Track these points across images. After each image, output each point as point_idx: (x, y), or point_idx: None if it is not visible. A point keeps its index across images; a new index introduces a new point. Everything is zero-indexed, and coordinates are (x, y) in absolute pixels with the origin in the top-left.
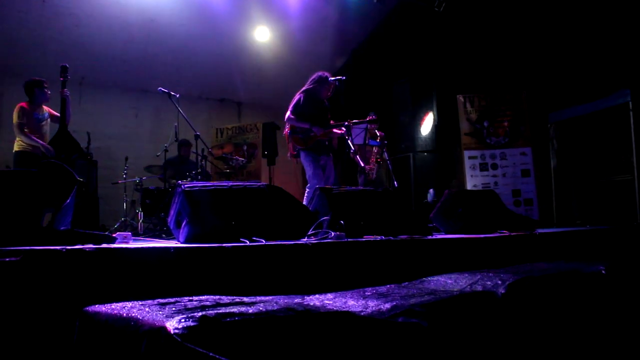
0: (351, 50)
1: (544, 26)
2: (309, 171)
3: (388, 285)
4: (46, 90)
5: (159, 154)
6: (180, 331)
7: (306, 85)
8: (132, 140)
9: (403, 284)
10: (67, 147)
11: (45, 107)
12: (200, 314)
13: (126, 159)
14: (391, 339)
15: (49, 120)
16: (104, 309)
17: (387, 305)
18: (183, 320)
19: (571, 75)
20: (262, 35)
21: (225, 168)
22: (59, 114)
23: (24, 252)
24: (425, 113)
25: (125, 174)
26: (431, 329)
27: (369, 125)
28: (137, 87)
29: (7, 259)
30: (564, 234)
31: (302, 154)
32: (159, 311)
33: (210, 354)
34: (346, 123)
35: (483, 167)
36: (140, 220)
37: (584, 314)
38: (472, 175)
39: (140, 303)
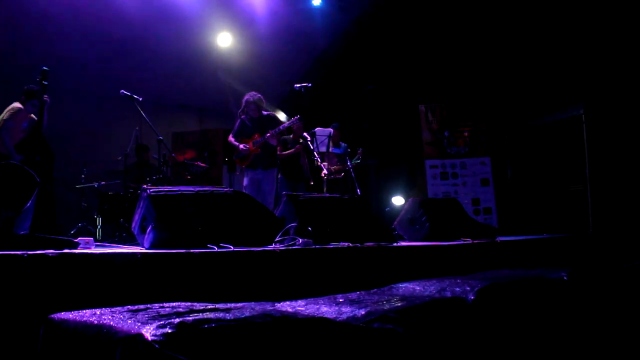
0: (315, 57)
1: (505, 40)
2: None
3: (358, 292)
4: (36, 100)
5: (119, 158)
6: (158, 338)
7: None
8: (91, 144)
9: (372, 291)
10: (42, 151)
11: (31, 116)
12: (177, 320)
13: (85, 163)
14: (367, 344)
15: (27, 129)
16: (71, 316)
17: (362, 312)
18: (160, 326)
19: (529, 88)
20: (225, 40)
21: (186, 174)
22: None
23: None
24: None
25: (84, 178)
26: (406, 335)
27: (332, 132)
28: (97, 90)
29: None
30: (523, 242)
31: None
32: (132, 318)
33: None
34: (267, 135)
35: (444, 176)
36: (99, 226)
37: (549, 317)
38: (432, 184)
39: (110, 309)
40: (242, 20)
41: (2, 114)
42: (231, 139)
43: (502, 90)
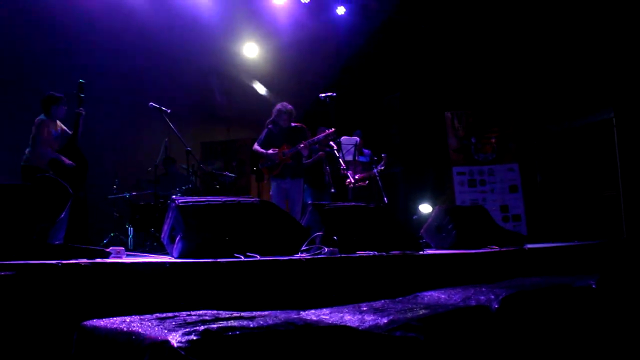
0: (340, 65)
1: (533, 44)
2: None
3: (383, 301)
4: (63, 106)
5: (150, 169)
6: (183, 345)
7: (271, 117)
8: (122, 155)
9: (397, 299)
10: (77, 160)
11: (58, 123)
12: (202, 327)
13: (116, 173)
14: (389, 352)
15: (60, 137)
16: (102, 323)
17: (385, 320)
18: (186, 333)
19: (557, 92)
20: (251, 51)
21: (214, 184)
22: (70, 131)
23: (19, 267)
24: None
25: (115, 188)
26: (428, 343)
27: (358, 141)
28: (128, 101)
29: (2, 273)
30: (552, 249)
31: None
32: (159, 325)
33: None
34: (301, 145)
35: (471, 183)
36: (130, 236)
37: (575, 327)
38: (460, 192)
39: (139, 317)
40: (267, 31)
41: (32, 132)
42: (257, 147)
43: (530, 95)
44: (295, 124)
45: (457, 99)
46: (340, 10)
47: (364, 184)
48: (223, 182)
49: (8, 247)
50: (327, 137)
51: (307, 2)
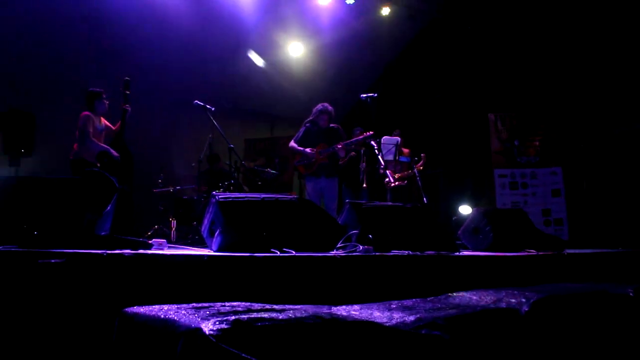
0: (384, 65)
1: (579, 45)
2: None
3: (414, 299)
4: (105, 101)
5: (193, 164)
6: (214, 332)
7: (310, 117)
8: (167, 150)
9: (428, 299)
10: (123, 154)
11: (102, 118)
12: (233, 317)
13: (161, 169)
14: (414, 349)
15: (104, 132)
16: (142, 310)
17: (412, 318)
18: (217, 322)
19: (605, 96)
20: (296, 50)
21: (257, 180)
22: (113, 127)
23: (68, 255)
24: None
25: (160, 183)
26: (453, 342)
27: (399, 141)
28: (174, 98)
29: (53, 261)
30: (592, 255)
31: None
32: (194, 314)
33: (242, 354)
34: (339, 146)
35: (513, 186)
36: (173, 229)
37: (609, 335)
38: (501, 194)
39: (176, 306)
40: (312, 31)
41: (78, 127)
42: (294, 144)
43: (576, 98)
44: (332, 125)
45: (501, 101)
46: (385, 10)
47: (403, 184)
48: (265, 178)
49: (59, 237)
50: (365, 139)
51: (351, 2)
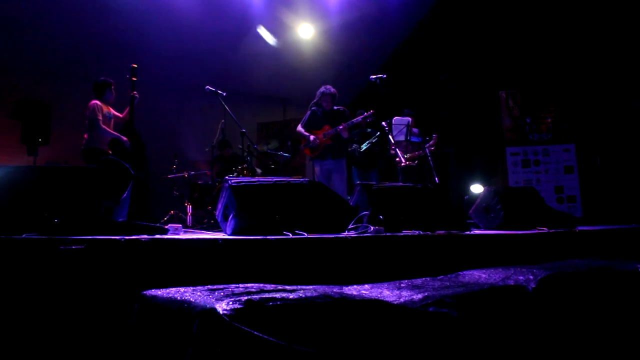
0: (393, 46)
1: (591, 20)
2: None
3: (423, 278)
4: (113, 91)
5: (207, 149)
6: (228, 312)
7: (315, 100)
8: (181, 136)
9: (438, 277)
10: (134, 141)
11: (109, 107)
12: (246, 298)
13: (175, 155)
14: (421, 326)
15: (112, 120)
16: (160, 292)
17: (419, 296)
18: (231, 302)
19: (619, 70)
20: (306, 32)
21: (270, 164)
22: (121, 115)
23: (88, 241)
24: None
25: (174, 169)
26: (460, 319)
27: (410, 121)
28: (185, 84)
29: (74, 247)
30: (604, 231)
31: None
32: (209, 295)
33: (255, 332)
34: (340, 127)
35: (525, 164)
36: (189, 213)
37: (616, 310)
38: (513, 172)
39: (192, 288)
40: (321, 12)
41: (88, 116)
42: (300, 128)
43: (588, 74)
44: (338, 107)
45: (512, 78)
46: None
47: (413, 164)
48: (278, 161)
49: (78, 224)
50: (365, 119)
51: None
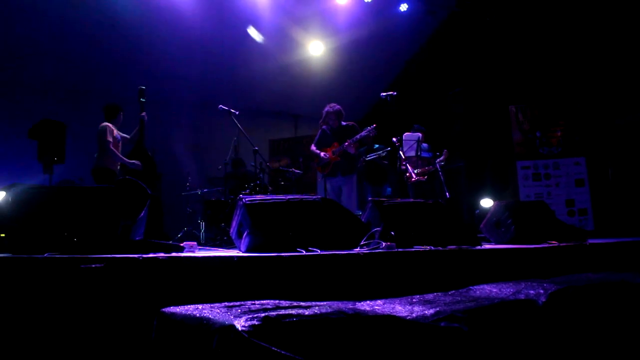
0: (404, 61)
1: (599, 35)
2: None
3: (435, 293)
4: (122, 115)
5: (220, 167)
6: (246, 328)
7: (321, 119)
8: (194, 153)
9: (449, 292)
10: (145, 161)
11: (118, 130)
12: (263, 314)
13: (188, 173)
14: (433, 341)
15: (121, 142)
16: (178, 309)
17: (431, 311)
18: (249, 319)
19: (629, 82)
20: (317, 49)
21: (280, 180)
22: (128, 136)
23: (107, 260)
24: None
25: (188, 186)
26: (471, 334)
27: (421, 137)
28: (198, 103)
29: (93, 266)
30: (615, 244)
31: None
32: (227, 312)
33: (273, 348)
34: (345, 144)
35: (536, 177)
36: (202, 230)
37: (627, 324)
38: (524, 186)
39: (210, 305)
40: (332, 30)
41: (99, 136)
42: (313, 147)
43: (597, 87)
44: (347, 123)
45: (522, 93)
46: (403, 7)
47: (423, 179)
48: (289, 178)
49: (97, 243)
50: (368, 134)
51: (369, 1)
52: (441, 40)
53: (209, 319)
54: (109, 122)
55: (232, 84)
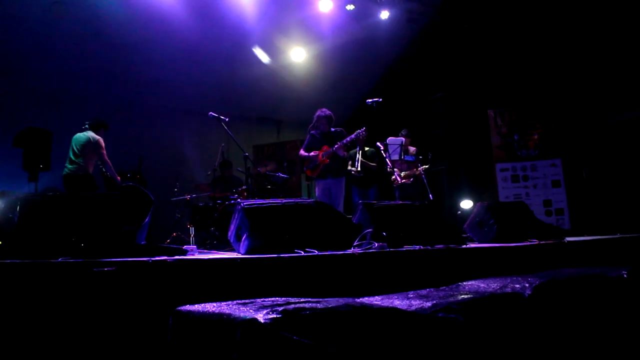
0: (384, 67)
1: (573, 39)
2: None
3: (428, 289)
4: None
5: (209, 172)
6: (268, 321)
7: (312, 124)
8: (181, 159)
9: (441, 288)
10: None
11: None
12: (281, 308)
13: (176, 178)
14: (433, 330)
15: None
16: (195, 307)
17: (429, 304)
18: (268, 313)
19: (601, 86)
20: (298, 55)
21: (266, 185)
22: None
23: (118, 263)
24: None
25: (176, 191)
26: (466, 323)
27: (404, 141)
28: (182, 109)
29: (106, 269)
30: (591, 242)
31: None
32: (243, 308)
33: (294, 337)
34: (336, 146)
35: (514, 179)
36: (192, 235)
37: (605, 314)
38: (503, 187)
39: (225, 303)
40: (314, 36)
41: (95, 147)
42: (302, 152)
43: (572, 91)
44: (335, 128)
45: (500, 98)
46: (384, 14)
47: (409, 182)
48: (275, 182)
49: (104, 247)
50: (359, 136)
51: (352, 9)
52: (421, 47)
53: (229, 314)
54: (98, 135)
55: (215, 91)
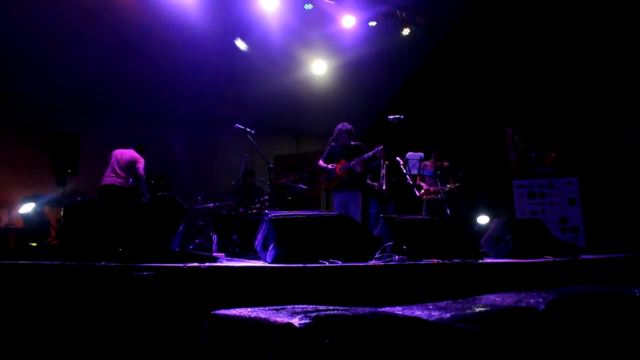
0: (402, 82)
1: (591, 58)
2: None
3: (446, 301)
4: None
5: (233, 182)
6: (302, 325)
7: (332, 136)
8: (206, 169)
9: (458, 300)
10: None
11: None
12: (314, 314)
13: (200, 186)
14: (452, 340)
15: None
16: (230, 312)
17: (448, 315)
18: (302, 318)
19: (619, 105)
20: (319, 68)
21: (287, 195)
22: None
23: (156, 269)
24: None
25: (200, 200)
26: (483, 334)
27: (422, 157)
28: (205, 120)
29: (145, 273)
30: (605, 260)
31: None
32: (277, 313)
33: (327, 341)
34: (352, 162)
35: (531, 196)
36: (214, 242)
37: (617, 331)
38: (520, 204)
39: (259, 308)
40: (334, 50)
41: (135, 162)
42: (321, 163)
43: (589, 109)
44: (355, 142)
45: (518, 115)
46: (405, 31)
47: (436, 197)
48: (295, 193)
49: (140, 252)
50: (375, 154)
51: (374, 25)
52: (440, 63)
53: (265, 318)
54: (140, 154)
55: (236, 102)
